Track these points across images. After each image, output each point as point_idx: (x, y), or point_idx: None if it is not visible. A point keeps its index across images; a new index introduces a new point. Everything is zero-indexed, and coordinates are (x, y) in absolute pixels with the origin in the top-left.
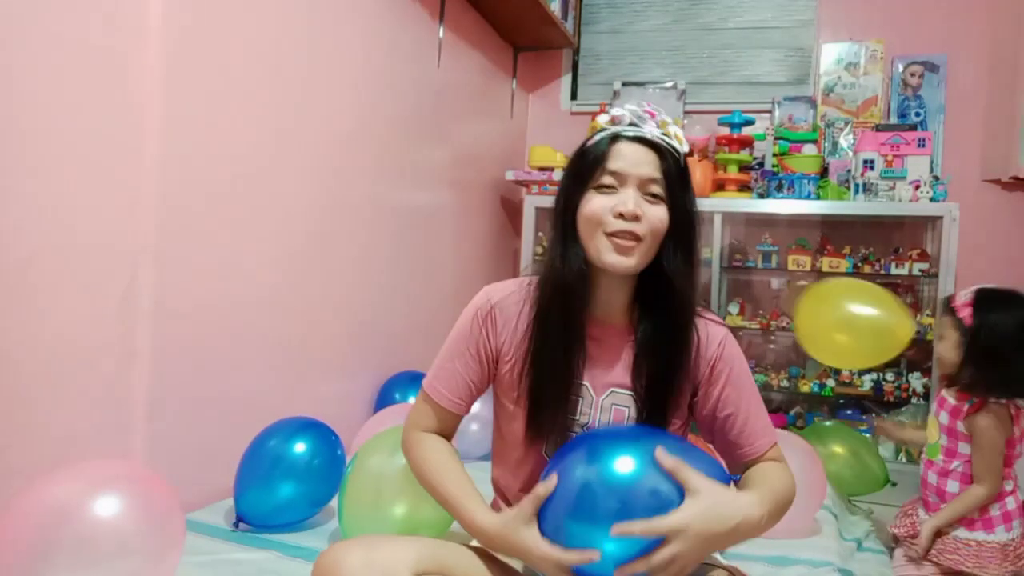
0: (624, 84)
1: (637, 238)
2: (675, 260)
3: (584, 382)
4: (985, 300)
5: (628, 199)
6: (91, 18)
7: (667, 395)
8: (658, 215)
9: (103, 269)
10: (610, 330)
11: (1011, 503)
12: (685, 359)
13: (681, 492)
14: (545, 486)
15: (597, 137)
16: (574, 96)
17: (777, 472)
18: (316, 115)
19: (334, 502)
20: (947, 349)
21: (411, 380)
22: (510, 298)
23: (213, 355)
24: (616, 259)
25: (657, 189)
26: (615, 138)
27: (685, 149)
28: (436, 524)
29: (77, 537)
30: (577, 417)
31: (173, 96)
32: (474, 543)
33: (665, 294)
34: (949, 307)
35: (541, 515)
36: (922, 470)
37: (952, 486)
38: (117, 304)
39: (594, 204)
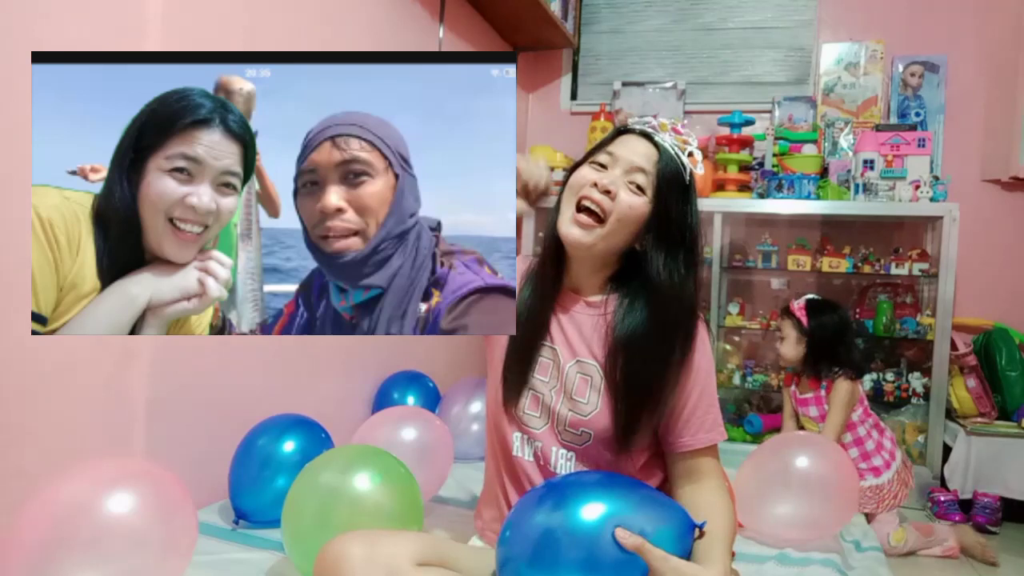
0: (624, 84)
1: (600, 219)
2: (660, 257)
3: (555, 346)
4: (813, 306)
5: (609, 176)
6: (91, 18)
7: (647, 389)
8: (631, 202)
9: None
10: (580, 302)
11: (886, 450)
12: (668, 355)
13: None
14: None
15: (613, 128)
16: (574, 96)
17: (722, 506)
18: None
19: None
20: (789, 346)
21: (409, 380)
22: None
23: (212, 355)
24: (571, 230)
25: (642, 180)
26: (628, 131)
27: (698, 171)
28: None
29: (91, 533)
30: (546, 379)
31: None
32: (472, 542)
33: (647, 289)
34: (788, 312)
35: (501, 563)
36: None
37: (852, 452)
38: None
39: (579, 173)
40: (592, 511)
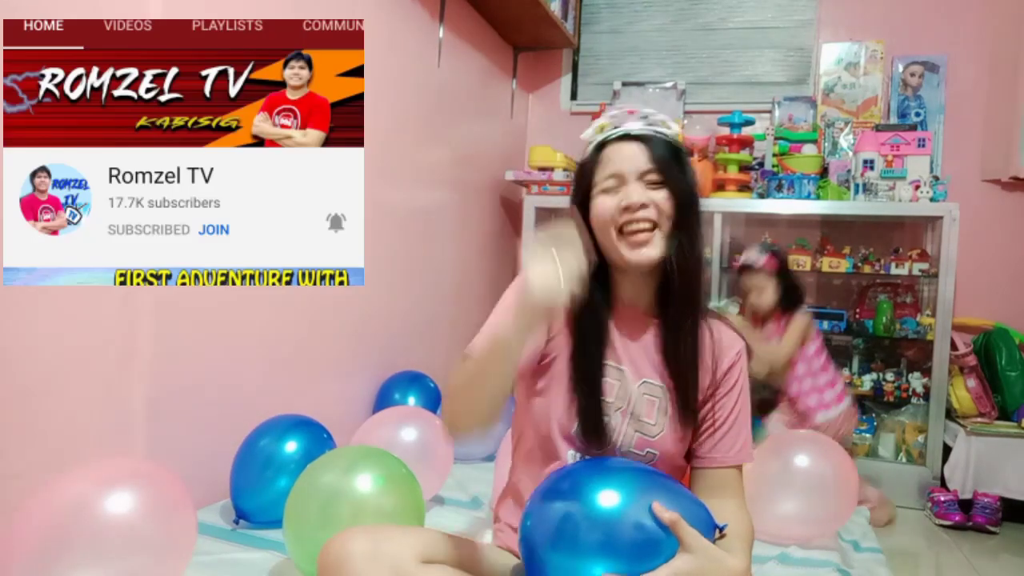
0: (624, 84)
1: (652, 226)
2: (675, 240)
3: (622, 367)
4: (773, 252)
5: (632, 192)
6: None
7: (691, 385)
8: (663, 197)
9: None
10: (642, 320)
11: (837, 389)
12: (694, 336)
13: (667, 530)
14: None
15: (588, 151)
16: (574, 96)
17: (745, 518)
18: None
19: None
20: (768, 296)
21: (410, 380)
22: None
23: (213, 355)
24: (637, 254)
25: (655, 177)
26: (602, 145)
27: (674, 131)
28: None
29: (91, 532)
30: (611, 400)
31: None
32: (483, 539)
33: (674, 280)
34: (759, 269)
35: (523, 544)
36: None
37: (806, 383)
38: (117, 305)
39: (600, 205)
40: (618, 495)
